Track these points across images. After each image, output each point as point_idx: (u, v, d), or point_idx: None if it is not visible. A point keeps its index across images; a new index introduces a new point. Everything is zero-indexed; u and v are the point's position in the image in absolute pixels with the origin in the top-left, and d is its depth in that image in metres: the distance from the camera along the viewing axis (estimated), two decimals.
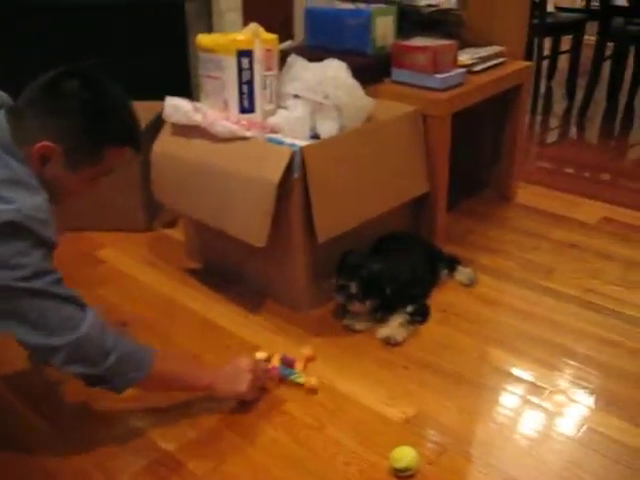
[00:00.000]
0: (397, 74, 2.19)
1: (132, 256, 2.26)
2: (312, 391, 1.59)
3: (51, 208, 1.30)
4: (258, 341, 1.79)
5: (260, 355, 1.71)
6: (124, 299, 2.01)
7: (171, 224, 2.46)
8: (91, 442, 1.45)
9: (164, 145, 2.00)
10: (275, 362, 1.67)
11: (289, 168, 1.70)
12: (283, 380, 1.62)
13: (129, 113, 1.41)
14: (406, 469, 1.34)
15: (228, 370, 1.53)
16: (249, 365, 1.54)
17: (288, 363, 1.67)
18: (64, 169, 1.34)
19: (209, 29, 3.58)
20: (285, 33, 2.21)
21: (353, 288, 1.79)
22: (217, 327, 1.86)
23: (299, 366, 1.67)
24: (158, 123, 2.09)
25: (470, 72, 2.26)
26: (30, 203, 1.24)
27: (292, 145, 1.76)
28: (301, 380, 1.61)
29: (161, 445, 1.44)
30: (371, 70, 2.16)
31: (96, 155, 1.37)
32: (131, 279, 2.13)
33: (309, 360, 1.71)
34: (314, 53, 2.11)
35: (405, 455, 1.35)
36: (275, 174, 1.68)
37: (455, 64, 2.19)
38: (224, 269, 2.11)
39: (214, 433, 1.48)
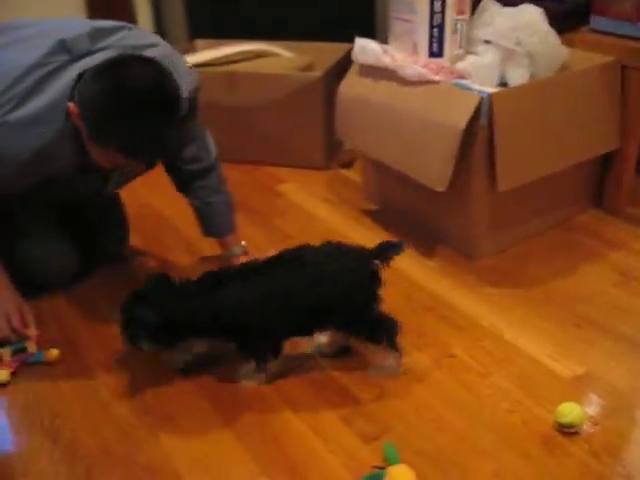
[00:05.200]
0: (597, 22, 2.07)
1: (310, 192, 2.35)
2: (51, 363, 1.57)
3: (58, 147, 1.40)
4: (427, 284, 1.82)
5: None
6: (299, 231, 2.10)
7: (348, 165, 2.52)
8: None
9: (350, 86, 2.04)
10: (6, 355, 1.58)
11: (476, 114, 1.69)
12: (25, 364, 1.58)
13: (156, 138, 1.34)
14: (570, 425, 1.33)
15: (2, 301, 1.61)
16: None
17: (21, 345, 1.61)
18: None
19: None
20: None
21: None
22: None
23: (31, 346, 1.60)
24: (343, 64, 2.14)
25: None
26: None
27: (480, 92, 1.74)
28: (42, 357, 1.58)
29: (330, 373, 1.52)
30: (569, 17, 2.07)
31: (100, 143, 1.36)
32: (307, 213, 2.23)
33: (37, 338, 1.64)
34: None
35: (572, 411, 1.34)
36: (462, 120, 1.68)
37: None
38: (400, 212, 2.14)
39: None
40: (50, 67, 1.40)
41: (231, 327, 1.42)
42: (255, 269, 1.45)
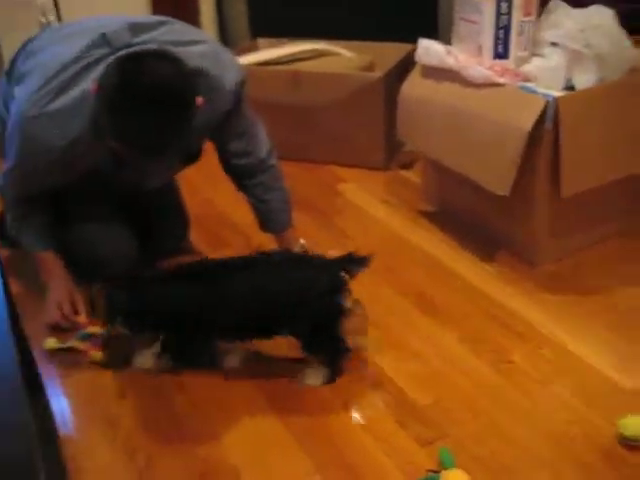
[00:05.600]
0: None
1: (369, 192, 2.35)
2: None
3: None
4: (487, 289, 1.80)
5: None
6: (356, 229, 2.12)
7: (407, 166, 2.51)
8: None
9: (413, 86, 2.04)
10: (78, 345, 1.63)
11: (541, 118, 1.66)
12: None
13: (158, 134, 1.34)
14: (635, 438, 1.30)
15: (55, 289, 1.71)
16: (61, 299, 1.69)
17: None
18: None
19: None
20: None
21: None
22: (445, 268, 1.90)
23: (96, 329, 1.63)
24: (405, 65, 2.14)
25: None
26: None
27: (545, 95, 1.71)
28: None
29: (387, 375, 1.52)
30: None
31: (108, 132, 1.37)
32: (365, 213, 2.23)
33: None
34: None
35: (636, 423, 1.31)
36: (527, 123, 1.65)
37: None
38: (460, 215, 2.12)
39: (437, 370, 1.54)
40: (89, 59, 1.44)
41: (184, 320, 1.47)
42: (225, 267, 1.49)
